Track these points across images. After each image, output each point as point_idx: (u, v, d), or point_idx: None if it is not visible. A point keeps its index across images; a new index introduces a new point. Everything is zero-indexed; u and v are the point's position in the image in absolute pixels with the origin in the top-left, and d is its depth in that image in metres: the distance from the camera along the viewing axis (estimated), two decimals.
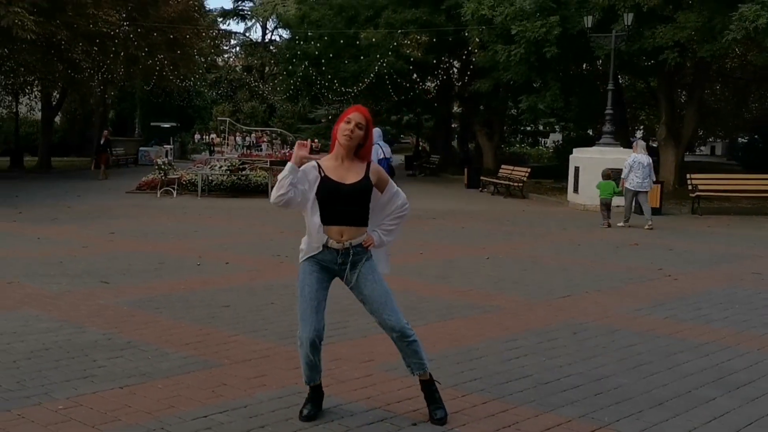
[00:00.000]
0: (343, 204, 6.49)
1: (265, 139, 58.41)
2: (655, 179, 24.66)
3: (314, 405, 6.80)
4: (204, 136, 63.73)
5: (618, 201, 24.30)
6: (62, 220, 21.76)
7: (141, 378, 7.68)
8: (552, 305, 11.64)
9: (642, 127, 71.77)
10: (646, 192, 23.58)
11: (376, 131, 22.97)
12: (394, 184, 6.85)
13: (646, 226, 22.65)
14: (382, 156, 21.76)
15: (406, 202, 6.84)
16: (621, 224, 23.29)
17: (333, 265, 6.61)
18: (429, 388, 6.77)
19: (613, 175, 24.28)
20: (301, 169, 6.45)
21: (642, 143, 24.73)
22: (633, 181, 23.36)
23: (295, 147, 6.50)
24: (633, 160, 23.57)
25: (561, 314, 11.01)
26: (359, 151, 6.58)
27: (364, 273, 6.59)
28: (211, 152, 46.58)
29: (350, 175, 6.51)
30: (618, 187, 23.75)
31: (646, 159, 23.66)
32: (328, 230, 6.52)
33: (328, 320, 10.11)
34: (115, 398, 7.07)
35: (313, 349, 6.71)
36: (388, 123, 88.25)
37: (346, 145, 6.49)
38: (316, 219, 6.50)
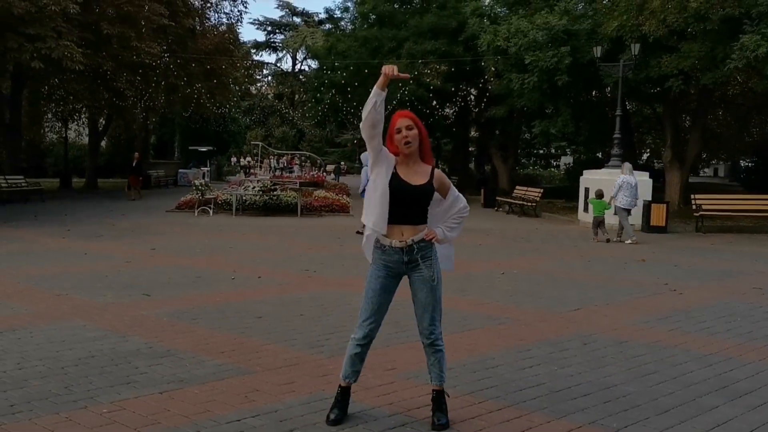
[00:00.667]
0: (406, 204, 6.52)
1: (296, 162, 58.56)
2: (638, 198, 25.12)
3: (341, 409, 6.79)
4: (240, 159, 63.81)
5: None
6: (107, 237, 21.84)
7: (179, 384, 7.70)
8: (564, 317, 11.60)
9: (648, 150, 71.55)
10: (628, 210, 24.16)
11: (364, 156, 24.24)
12: (456, 190, 6.85)
13: (629, 240, 23.46)
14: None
15: (466, 205, 6.86)
16: (629, 241, 23.44)
17: (400, 266, 6.63)
18: (439, 398, 6.80)
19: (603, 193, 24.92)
20: (384, 152, 6.53)
21: (628, 165, 25.21)
22: (623, 200, 23.95)
23: (384, 71, 6.46)
24: (622, 181, 24.19)
25: (572, 326, 10.97)
26: (422, 152, 6.63)
27: (425, 278, 6.61)
28: (247, 174, 46.63)
29: (417, 177, 6.55)
30: (609, 205, 24.26)
31: (633, 180, 24.36)
32: (389, 229, 6.57)
33: (351, 332, 10.15)
34: (155, 403, 7.10)
35: (361, 348, 6.78)
36: None
37: (408, 151, 6.53)
38: (377, 213, 6.50)
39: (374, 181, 6.56)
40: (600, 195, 24.77)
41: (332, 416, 6.71)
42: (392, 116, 6.76)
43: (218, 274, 15.33)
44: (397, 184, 6.46)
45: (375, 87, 6.42)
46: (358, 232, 24.16)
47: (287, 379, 7.92)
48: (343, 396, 6.85)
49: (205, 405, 7.07)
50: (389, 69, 6.46)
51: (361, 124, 6.44)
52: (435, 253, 6.68)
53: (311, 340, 9.65)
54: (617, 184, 24.26)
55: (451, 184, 6.85)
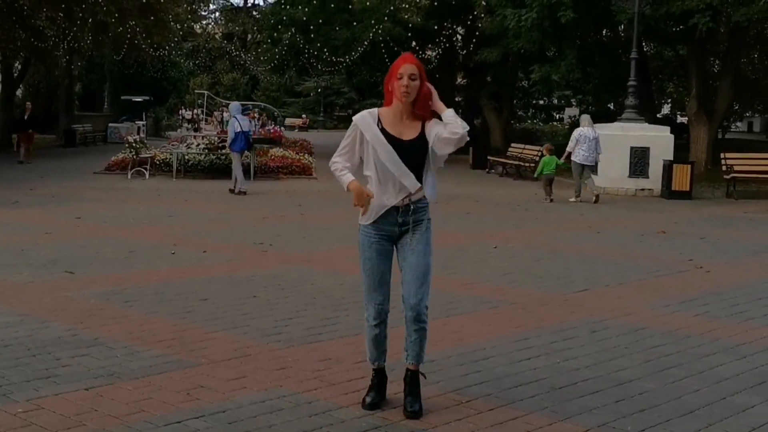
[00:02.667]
0: (403, 161, 6.80)
1: (255, 116, 58.40)
2: (600, 152, 26.31)
3: (378, 392, 7.10)
4: (189, 111, 63.60)
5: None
6: (24, 204, 21.82)
7: (108, 379, 7.69)
8: (568, 300, 11.63)
9: (670, 101, 71.82)
10: (592, 166, 26.21)
11: (234, 105, 27.14)
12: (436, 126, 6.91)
13: (594, 200, 24.95)
14: (239, 129, 26.02)
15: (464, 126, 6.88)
16: (573, 199, 25.21)
17: (394, 227, 6.93)
18: (413, 380, 7.05)
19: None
20: (359, 125, 6.94)
21: (587, 117, 27.20)
22: (579, 154, 25.61)
23: (357, 195, 6.97)
24: (579, 134, 25.88)
25: (578, 310, 11.00)
26: (415, 104, 6.83)
27: (417, 239, 6.91)
28: (197, 129, 46.53)
29: (409, 131, 6.88)
30: (561, 160, 26.07)
31: (592, 132, 25.97)
32: (382, 188, 6.88)
33: (318, 315, 10.17)
34: (80, 401, 7.07)
35: (381, 325, 7.04)
36: (383, 96, 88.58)
37: (406, 101, 6.78)
38: (397, 172, 6.82)
39: (369, 156, 6.93)
40: (550, 150, 26.37)
41: (368, 399, 7.05)
42: (398, 58, 6.97)
43: (156, 248, 15.33)
44: (388, 140, 6.81)
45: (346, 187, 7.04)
46: (230, 191, 25.67)
47: (238, 373, 7.92)
48: (379, 378, 7.17)
49: (139, 404, 7.04)
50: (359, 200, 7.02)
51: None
52: (429, 219, 6.99)
53: (266, 327, 9.65)
54: (574, 137, 26.00)
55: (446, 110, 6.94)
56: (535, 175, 27.57)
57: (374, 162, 6.85)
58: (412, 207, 6.86)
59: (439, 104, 6.89)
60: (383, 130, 6.83)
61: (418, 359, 7.03)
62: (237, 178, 26.23)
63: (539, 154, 30.44)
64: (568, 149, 26.23)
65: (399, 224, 6.90)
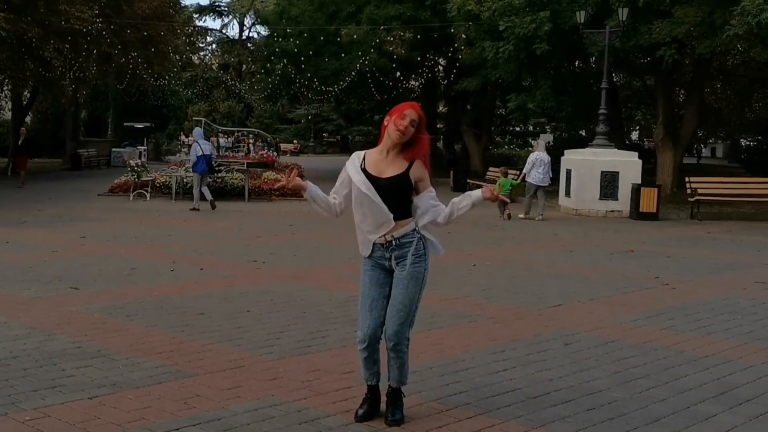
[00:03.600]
0: (380, 198, 6.78)
1: (250, 141, 58.28)
2: (551, 175, 27.48)
3: (370, 405, 7.09)
4: (188, 137, 63.41)
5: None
6: (32, 224, 21.73)
7: (111, 388, 7.68)
8: (543, 315, 11.63)
9: (638, 127, 71.94)
10: (545, 187, 27.00)
11: (197, 131, 27.97)
12: (433, 192, 7.01)
13: (538, 218, 26.28)
14: (200, 153, 26.98)
15: (437, 203, 6.99)
16: (521, 216, 26.30)
17: (385, 261, 6.93)
18: (395, 395, 7.08)
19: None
20: (347, 165, 7.01)
21: (542, 142, 29.29)
22: (535, 176, 26.56)
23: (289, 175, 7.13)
24: (535, 158, 26.92)
25: (552, 324, 11.00)
26: (408, 149, 6.87)
27: (404, 276, 6.87)
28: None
29: (390, 168, 6.84)
30: (517, 180, 27.63)
31: (546, 157, 27.14)
32: (366, 223, 6.91)
33: (308, 329, 10.17)
34: (84, 409, 7.07)
35: (368, 348, 6.97)
36: (371, 123, 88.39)
37: (397, 139, 6.79)
38: (358, 216, 6.94)
39: (353, 193, 6.94)
40: (506, 173, 27.74)
41: (360, 412, 7.04)
42: (406, 102, 7.02)
43: (156, 265, 15.29)
44: (366, 178, 6.83)
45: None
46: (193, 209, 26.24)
47: (232, 383, 7.91)
48: (372, 394, 7.13)
49: (139, 412, 7.04)
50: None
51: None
52: (421, 251, 6.93)
53: (259, 340, 9.64)
54: (530, 161, 27.08)
55: (429, 184, 6.99)
56: None
57: (355, 197, 6.86)
58: (395, 242, 6.82)
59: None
60: (364, 170, 6.84)
61: (399, 381, 7.04)
62: (195, 196, 27.24)
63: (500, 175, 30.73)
64: (524, 171, 27.45)
65: (388, 258, 6.89)
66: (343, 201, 7.04)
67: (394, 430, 6.79)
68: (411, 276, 6.85)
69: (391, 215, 6.77)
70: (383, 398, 7.10)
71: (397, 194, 6.80)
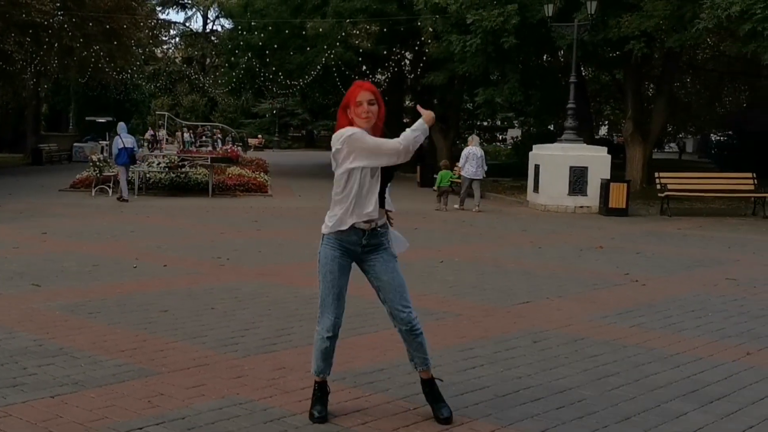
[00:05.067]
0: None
1: (220, 135, 58.09)
2: (486, 169, 29.36)
3: (323, 405, 7.05)
4: (156, 132, 63.01)
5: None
6: None
7: (73, 387, 7.66)
8: (511, 312, 11.65)
9: (607, 122, 72.20)
10: (479, 180, 28.66)
11: (120, 125, 29.49)
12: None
13: (475, 209, 27.76)
14: (122, 146, 28.77)
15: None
16: (456, 206, 27.93)
17: (356, 247, 6.93)
18: (431, 386, 7.10)
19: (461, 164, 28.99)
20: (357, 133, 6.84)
21: (476, 138, 31.05)
22: (468, 170, 28.10)
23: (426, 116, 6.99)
24: (468, 152, 28.57)
25: (521, 321, 11.01)
26: (374, 128, 6.93)
27: (385, 259, 6.95)
28: (151, 149, 46.22)
29: None
30: (454, 174, 29.11)
31: (479, 152, 28.73)
32: (349, 207, 6.87)
33: (273, 326, 10.18)
34: (46, 408, 7.06)
35: (332, 339, 7.01)
36: (335, 118, 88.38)
37: (367, 126, 6.84)
38: (355, 188, 6.82)
39: (351, 171, 6.85)
40: (446, 166, 29.65)
41: (316, 414, 6.98)
42: (353, 86, 7.05)
43: (118, 262, 15.24)
44: None
45: (425, 126, 6.96)
46: (118, 199, 27.94)
47: (196, 381, 7.90)
48: (322, 391, 7.11)
49: (102, 411, 7.02)
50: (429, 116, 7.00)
51: (400, 154, 6.87)
52: (388, 241, 7.01)
53: (223, 338, 9.63)
54: (464, 155, 28.60)
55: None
56: (434, 188, 29.70)
57: (355, 176, 6.79)
58: (379, 230, 6.90)
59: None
60: None
61: (426, 364, 7.08)
62: (121, 188, 28.83)
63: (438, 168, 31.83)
64: (458, 165, 29.11)
65: (362, 245, 6.89)
66: None
67: (363, 427, 6.75)
68: (393, 260, 6.96)
69: (378, 203, 6.84)
70: (343, 393, 7.08)
71: (384, 178, 6.92)
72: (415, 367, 7.14)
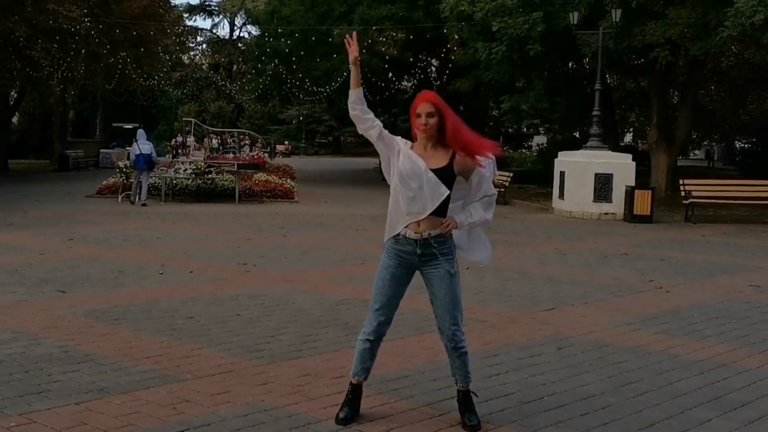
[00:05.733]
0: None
1: (248, 141, 58.14)
2: (496, 174, 27.74)
3: (351, 408, 7.07)
4: (185, 139, 63.16)
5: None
6: (18, 226, 21.66)
7: (98, 393, 7.65)
8: (536, 318, 11.63)
9: (632, 129, 72.00)
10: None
11: (139, 132, 30.06)
12: (487, 172, 7.02)
13: None
14: (138, 152, 29.34)
15: (494, 191, 7.10)
16: None
17: (413, 257, 6.90)
18: (466, 398, 7.11)
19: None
20: (394, 139, 7.00)
21: None
22: None
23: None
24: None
25: (545, 328, 10.99)
26: (443, 138, 6.84)
27: (442, 274, 6.89)
28: (175, 156, 46.34)
29: (433, 161, 6.81)
30: None
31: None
32: (397, 208, 6.89)
33: (298, 333, 10.17)
34: (71, 415, 7.04)
35: (371, 344, 7.04)
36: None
37: (426, 137, 6.82)
38: (400, 204, 6.84)
39: (390, 175, 6.96)
40: None
41: (341, 415, 7.01)
42: (418, 95, 6.98)
43: (144, 268, 15.25)
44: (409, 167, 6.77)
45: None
46: (131, 203, 29.03)
47: (221, 388, 7.89)
48: (354, 394, 7.12)
49: (127, 417, 7.02)
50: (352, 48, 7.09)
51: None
52: (453, 248, 6.97)
53: (249, 344, 9.62)
54: None
55: (480, 167, 6.96)
56: None
57: (403, 173, 6.78)
58: (432, 241, 6.82)
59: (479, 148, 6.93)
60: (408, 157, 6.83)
61: (466, 381, 7.09)
62: (139, 192, 29.63)
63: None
64: None
65: (418, 255, 6.87)
66: (381, 135, 6.98)
67: None
68: (449, 274, 6.90)
69: (429, 202, 6.75)
70: (372, 398, 7.10)
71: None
72: (455, 382, 7.14)
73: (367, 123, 6.93)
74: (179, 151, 63.44)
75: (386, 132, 6.97)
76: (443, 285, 6.88)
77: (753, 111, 58.32)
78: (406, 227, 6.82)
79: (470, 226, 7.00)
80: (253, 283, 13.94)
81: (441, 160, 6.79)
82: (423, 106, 6.79)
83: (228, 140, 69.51)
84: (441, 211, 6.82)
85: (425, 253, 6.85)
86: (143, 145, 29.67)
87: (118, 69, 51.18)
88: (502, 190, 34.74)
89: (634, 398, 7.95)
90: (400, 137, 7.00)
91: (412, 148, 6.88)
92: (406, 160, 6.77)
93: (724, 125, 59.23)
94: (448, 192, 6.79)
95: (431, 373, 8.50)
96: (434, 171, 6.72)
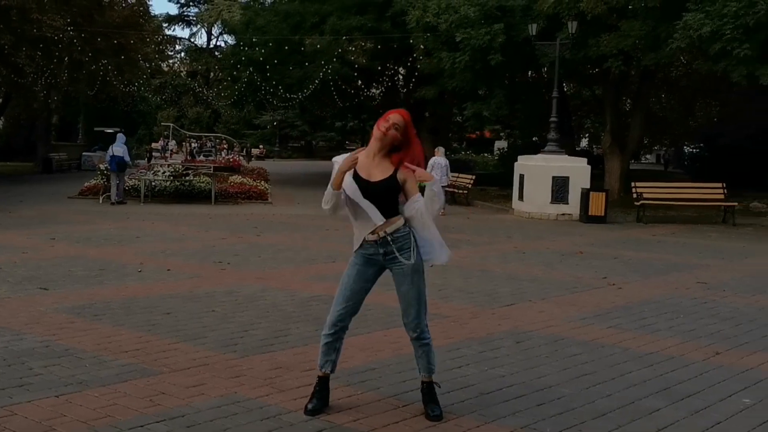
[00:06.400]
0: (370, 200, 6.82)
1: (225, 146, 57.93)
2: (450, 176, 31.86)
3: (319, 399, 7.07)
4: (166, 143, 62.85)
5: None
6: (2, 225, 21.47)
7: (78, 386, 7.61)
8: (496, 314, 11.64)
9: (588, 135, 72.16)
10: (444, 186, 27.39)
11: (118, 136, 30.49)
12: (421, 198, 6.97)
13: (440, 213, 27.28)
14: (111, 154, 30.22)
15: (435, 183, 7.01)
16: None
17: (378, 257, 6.94)
18: (429, 389, 7.12)
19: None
20: (337, 162, 6.97)
21: (441, 149, 31.48)
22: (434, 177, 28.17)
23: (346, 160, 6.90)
24: (434, 162, 29.46)
25: (505, 323, 11.01)
26: (393, 153, 6.90)
27: (405, 272, 6.92)
28: (149, 159, 46.17)
29: (378, 172, 6.86)
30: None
31: (443, 161, 30.38)
32: (358, 222, 6.94)
33: (271, 328, 10.15)
34: (51, 407, 7.00)
35: (333, 335, 7.02)
36: (334, 129, 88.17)
37: (378, 139, 6.84)
38: (364, 204, 6.85)
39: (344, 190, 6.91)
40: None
41: (309, 406, 7.01)
42: (393, 110, 7.06)
43: (124, 266, 15.17)
44: (359, 183, 6.82)
45: (330, 189, 6.91)
46: (111, 203, 29.45)
47: (196, 381, 7.87)
48: (321, 386, 7.11)
49: (105, 409, 6.98)
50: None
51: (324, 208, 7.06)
52: (413, 243, 6.95)
53: (223, 339, 9.59)
54: (429, 165, 28.63)
55: (418, 193, 7.00)
56: None
57: (345, 197, 6.85)
58: (389, 238, 6.85)
59: (423, 174, 6.94)
60: (355, 172, 6.83)
61: (429, 371, 7.10)
62: (113, 191, 30.21)
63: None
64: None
65: (381, 254, 6.91)
66: (340, 204, 6.97)
67: (353, 424, 6.75)
68: (413, 270, 6.92)
69: (379, 213, 6.81)
70: (340, 390, 7.08)
71: (386, 196, 6.84)
72: (418, 371, 7.15)
73: (339, 209, 7.00)
74: (153, 154, 63.28)
75: (339, 198, 6.91)
76: (406, 280, 6.91)
77: (701, 118, 58.58)
78: (365, 234, 6.89)
79: (435, 196, 6.95)
80: (228, 280, 13.89)
81: (385, 170, 6.85)
82: (395, 116, 6.85)
83: (206, 143, 69.28)
84: (392, 212, 6.90)
85: (387, 251, 6.88)
86: (116, 148, 30.22)
87: (100, 76, 50.91)
88: (465, 192, 34.83)
89: (588, 389, 7.98)
90: (335, 160, 7.00)
91: (357, 154, 6.90)
92: (348, 184, 6.83)
93: (673, 131, 59.48)
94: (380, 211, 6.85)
95: (397, 366, 8.50)
96: (379, 182, 6.82)
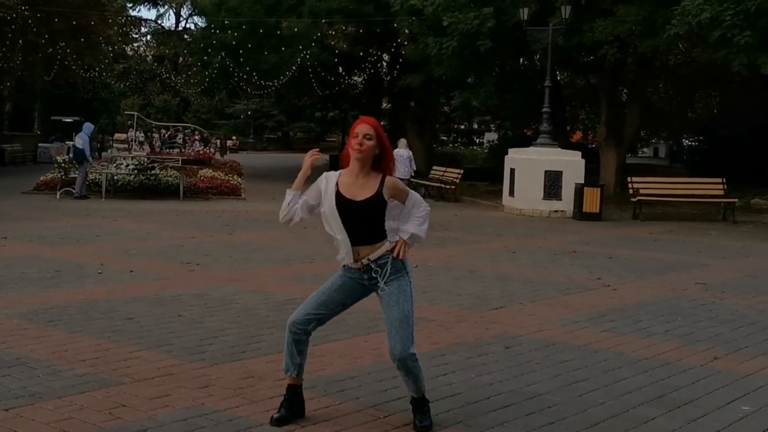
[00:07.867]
0: (355, 222, 6.79)
1: (197, 137, 57.77)
2: (415, 169, 32.19)
3: (287, 409, 7.06)
4: (135, 134, 62.42)
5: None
6: None
7: (30, 399, 7.50)
8: (484, 317, 11.66)
9: (582, 126, 72.25)
10: (407, 180, 30.20)
11: (86, 125, 30.67)
12: (415, 194, 7.10)
13: None
14: (81, 146, 30.13)
15: (427, 206, 7.09)
16: None
17: (363, 281, 6.95)
18: (420, 404, 7.10)
19: None
20: (326, 176, 6.97)
21: (403, 141, 33.18)
22: (397, 171, 27.88)
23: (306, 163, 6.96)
24: (396, 154, 27.85)
25: (494, 327, 11.03)
26: (378, 164, 6.89)
27: (390, 293, 6.88)
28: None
29: (363, 191, 6.82)
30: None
31: (406, 153, 31.72)
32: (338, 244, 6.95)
33: (242, 333, 10.14)
34: (0, 422, 6.90)
35: (297, 334, 7.02)
36: (312, 119, 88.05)
37: (359, 158, 6.78)
38: (340, 237, 6.87)
39: (324, 212, 6.93)
40: None
41: (275, 416, 7.01)
42: (359, 119, 7.01)
43: (83, 267, 15.07)
44: (342, 204, 6.78)
45: (290, 191, 7.00)
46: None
47: (160, 392, 7.81)
48: (290, 394, 7.12)
49: (60, 424, 6.89)
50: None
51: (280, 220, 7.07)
52: (401, 267, 6.95)
53: (190, 346, 9.54)
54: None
55: (409, 190, 7.09)
56: None
57: (325, 219, 6.89)
58: (372, 266, 6.84)
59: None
60: (338, 192, 6.80)
61: (419, 392, 7.05)
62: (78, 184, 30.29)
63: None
64: None
65: (366, 279, 6.91)
66: (306, 213, 6.97)
67: None
68: (399, 291, 6.87)
69: (349, 242, 6.83)
70: (316, 401, 7.08)
71: (371, 216, 6.82)
72: (408, 390, 7.10)
73: (295, 217, 6.96)
74: (129, 145, 63.13)
75: (305, 201, 6.94)
76: (391, 302, 6.85)
77: (700, 109, 58.74)
78: (347, 257, 6.90)
79: (418, 240, 7.05)
80: (197, 282, 13.84)
81: (371, 188, 6.81)
82: (362, 127, 6.80)
83: (176, 135, 69.01)
84: (377, 238, 6.88)
85: (371, 277, 6.89)
86: (77, 139, 30.67)
87: (58, 60, 50.56)
88: (453, 187, 34.86)
89: (580, 397, 8.00)
90: (324, 175, 7.01)
91: (338, 183, 6.87)
92: (326, 204, 6.85)
93: (672, 123, 59.57)
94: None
95: (378, 374, 8.49)
96: (364, 201, 6.78)
